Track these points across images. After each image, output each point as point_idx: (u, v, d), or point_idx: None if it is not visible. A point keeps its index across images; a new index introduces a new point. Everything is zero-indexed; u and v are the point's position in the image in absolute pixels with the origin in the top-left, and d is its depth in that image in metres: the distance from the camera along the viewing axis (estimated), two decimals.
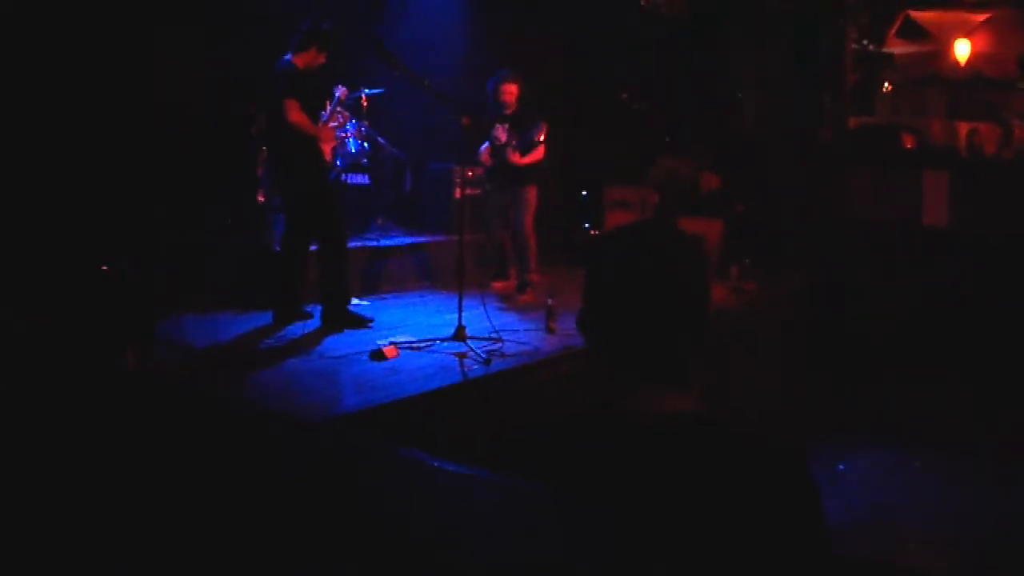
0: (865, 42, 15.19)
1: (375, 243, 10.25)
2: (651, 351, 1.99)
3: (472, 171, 10.64)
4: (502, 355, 7.13)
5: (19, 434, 2.13)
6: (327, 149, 8.16)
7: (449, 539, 1.63)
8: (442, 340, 7.41)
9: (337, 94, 8.96)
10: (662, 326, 1.98)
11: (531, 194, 9.88)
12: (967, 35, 15.30)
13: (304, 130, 7.78)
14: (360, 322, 7.96)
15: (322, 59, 7.96)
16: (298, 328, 7.79)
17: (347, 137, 10.15)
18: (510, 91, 9.91)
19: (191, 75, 9.17)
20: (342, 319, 7.91)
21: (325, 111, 8.82)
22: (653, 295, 1.96)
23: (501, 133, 9.95)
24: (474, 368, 6.79)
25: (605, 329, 2.04)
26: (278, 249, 8.26)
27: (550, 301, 8.04)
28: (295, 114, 7.70)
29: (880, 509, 7.35)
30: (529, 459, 2.03)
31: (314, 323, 7.93)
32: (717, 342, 8.82)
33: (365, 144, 10.53)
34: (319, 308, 8.01)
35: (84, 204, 7.69)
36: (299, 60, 7.82)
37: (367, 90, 10.34)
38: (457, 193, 10.58)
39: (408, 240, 10.77)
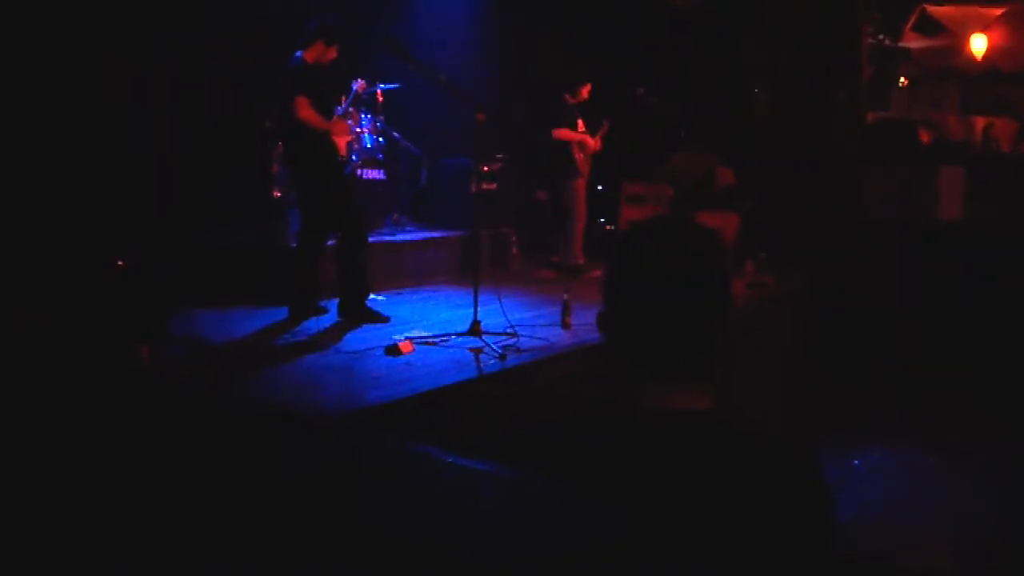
0: (881, 36, 15.12)
1: (391, 238, 10.28)
2: (668, 348, 1.99)
3: (488, 166, 10.69)
4: (517, 350, 7.14)
5: (26, 431, 2.15)
6: (341, 143, 8.16)
7: (459, 534, 1.64)
8: (457, 335, 7.42)
9: (355, 88, 8.96)
10: (680, 322, 1.98)
11: None
12: (983, 29, 15.20)
13: (315, 126, 7.80)
14: (377, 318, 7.98)
15: (332, 54, 7.97)
16: (313, 323, 7.81)
17: (363, 132, 10.17)
18: (587, 90, 10.95)
19: (203, 71, 9.21)
20: (360, 314, 7.94)
21: (341, 105, 8.82)
22: (671, 291, 1.96)
23: (582, 125, 10.74)
24: (489, 363, 6.80)
25: (624, 326, 2.04)
26: (294, 245, 8.29)
27: (565, 296, 8.05)
28: (305, 111, 7.73)
29: (884, 507, 7.33)
30: (539, 455, 2.03)
31: (330, 318, 7.95)
32: (729, 338, 8.76)
33: (380, 139, 10.56)
34: (335, 303, 8.04)
35: (98, 201, 7.72)
36: (309, 55, 7.85)
37: (382, 85, 10.37)
38: (473, 188, 10.60)
39: (423, 235, 10.80)
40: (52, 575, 1.70)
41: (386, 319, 8.02)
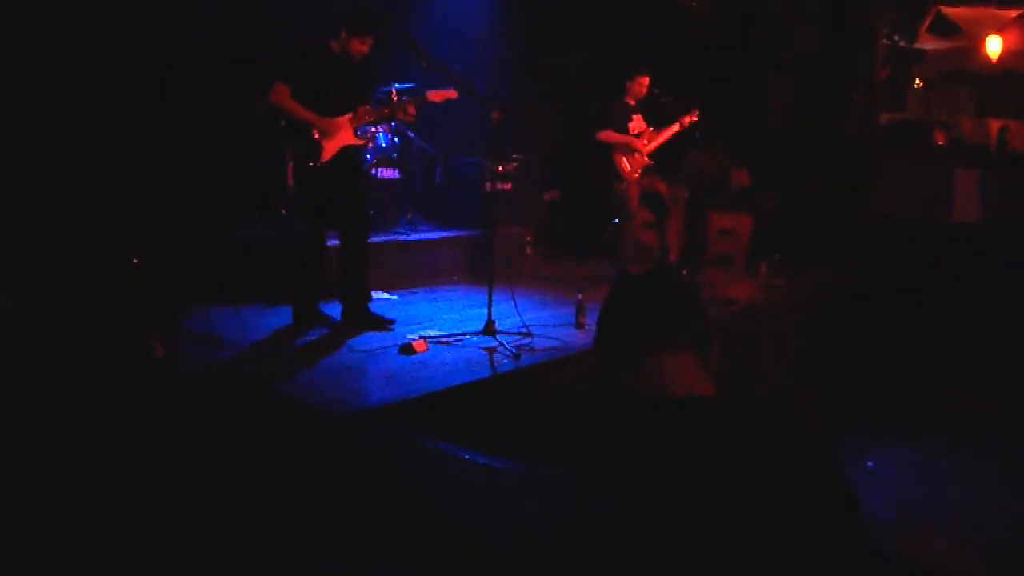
0: (896, 38, 15.10)
1: (405, 237, 10.28)
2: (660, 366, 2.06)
3: (503, 165, 10.68)
4: (531, 350, 7.15)
5: (42, 424, 2.16)
6: (329, 146, 7.65)
7: (475, 526, 1.64)
8: (471, 335, 7.43)
9: (411, 85, 8.84)
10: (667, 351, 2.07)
11: None
12: (999, 31, 15.17)
13: (287, 113, 7.55)
14: (380, 325, 7.78)
15: (361, 47, 7.55)
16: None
17: (377, 131, 10.14)
18: (645, 83, 10.61)
19: (224, 67, 9.22)
20: (361, 320, 7.77)
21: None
22: (657, 337, 2.10)
23: (640, 123, 10.59)
24: (503, 363, 6.81)
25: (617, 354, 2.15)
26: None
27: (580, 296, 8.05)
28: (274, 96, 7.47)
29: (899, 508, 7.31)
30: (553, 453, 2.03)
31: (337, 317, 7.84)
32: (745, 338, 8.82)
33: (395, 138, 10.55)
34: (337, 306, 7.91)
35: (113, 197, 7.74)
36: (335, 44, 7.65)
37: (397, 84, 10.34)
38: (487, 187, 10.58)
39: (438, 234, 10.79)
40: (78, 552, 1.71)
41: (391, 322, 7.83)
